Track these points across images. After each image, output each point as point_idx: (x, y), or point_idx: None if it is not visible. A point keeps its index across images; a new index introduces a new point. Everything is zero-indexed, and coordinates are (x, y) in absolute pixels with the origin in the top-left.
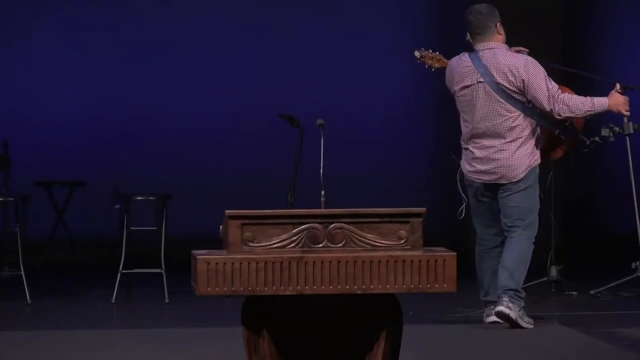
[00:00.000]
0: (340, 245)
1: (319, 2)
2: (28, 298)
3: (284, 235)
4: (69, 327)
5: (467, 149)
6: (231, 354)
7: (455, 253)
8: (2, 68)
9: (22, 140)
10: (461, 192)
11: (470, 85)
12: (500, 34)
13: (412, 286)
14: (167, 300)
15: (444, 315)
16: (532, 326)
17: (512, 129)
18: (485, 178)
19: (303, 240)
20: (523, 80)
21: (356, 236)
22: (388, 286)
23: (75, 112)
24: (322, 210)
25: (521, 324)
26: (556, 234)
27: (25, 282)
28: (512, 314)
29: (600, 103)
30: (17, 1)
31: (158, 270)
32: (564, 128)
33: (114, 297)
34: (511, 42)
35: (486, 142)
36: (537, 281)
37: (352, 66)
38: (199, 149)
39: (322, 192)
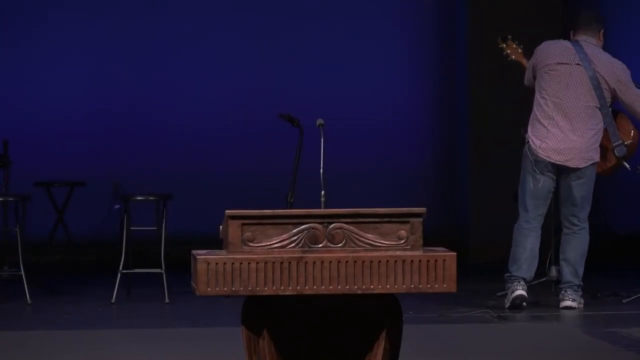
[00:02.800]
0: (340, 245)
1: (319, 2)
2: (28, 298)
3: (284, 235)
4: (69, 327)
5: (542, 124)
6: (231, 354)
7: (455, 253)
8: (2, 68)
9: (22, 140)
10: (533, 164)
11: (568, 63)
12: (601, 41)
13: (412, 286)
14: (167, 300)
15: (444, 315)
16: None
17: (592, 117)
18: (555, 157)
19: (303, 240)
20: (620, 81)
21: (356, 236)
22: (388, 286)
23: (75, 112)
24: (322, 210)
25: (580, 306)
26: (556, 234)
27: (25, 282)
28: (576, 305)
29: None
30: (17, 1)
31: (158, 270)
32: (620, 145)
33: (114, 297)
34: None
35: (564, 122)
36: (537, 281)
37: (352, 66)
38: (199, 149)
39: (322, 192)
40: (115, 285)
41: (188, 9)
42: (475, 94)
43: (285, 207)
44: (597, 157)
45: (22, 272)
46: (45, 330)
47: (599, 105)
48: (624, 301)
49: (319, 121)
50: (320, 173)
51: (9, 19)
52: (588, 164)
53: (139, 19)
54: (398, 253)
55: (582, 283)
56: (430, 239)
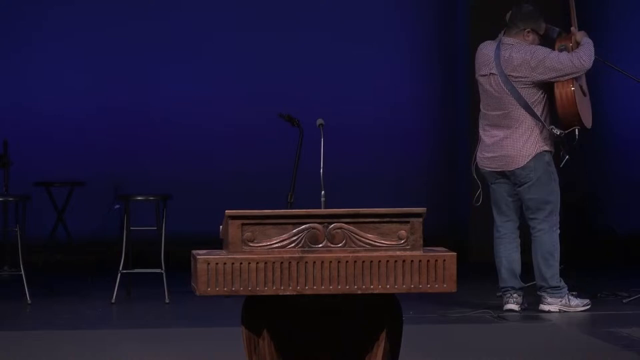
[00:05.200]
0: (340, 245)
1: (319, 3)
2: (28, 298)
3: (284, 235)
4: (69, 327)
5: (479, 136)
6: (231, 354)
7: (455, 253)
8: (2, 68)
9: (22, 140)
10: (475, 178)
11: (485, 75)
12: (527, 39)
13: (412, 286)
14: (167, 300)
15: (444, 315)
16: (583, 307)
17: (516, 119)
18: (492, 165)
19: (303, 240)
20: (534, 67)
21: (356, 236)
22: (388, 286)
23: (75, 112)
24: (322, 210)
25: (569, 310)
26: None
27: (25, 282)
28: (553, 308)
29: (588, 42)
30: (17, 1)
31: (158, 270)
32: (552, 128)
33: (114, 297)
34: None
35: (494, 130)
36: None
37: (352, 66)
38: (199, 149)
39: (322, 192)
40: (115, 285)
41: (188, 10)
42: (475, 94)
43: (285, 207)
44: (537, 149)
45: (22, 272)
46: (45, 330)
47: (523, 105)
48: (624, 301)
49: (319, 121)
50: (320, 173)
51: (9, 18)
52: (525, 161)
53: (139, 20)
54: (398, 253)
55: (556, 283)
56: (430, 239)
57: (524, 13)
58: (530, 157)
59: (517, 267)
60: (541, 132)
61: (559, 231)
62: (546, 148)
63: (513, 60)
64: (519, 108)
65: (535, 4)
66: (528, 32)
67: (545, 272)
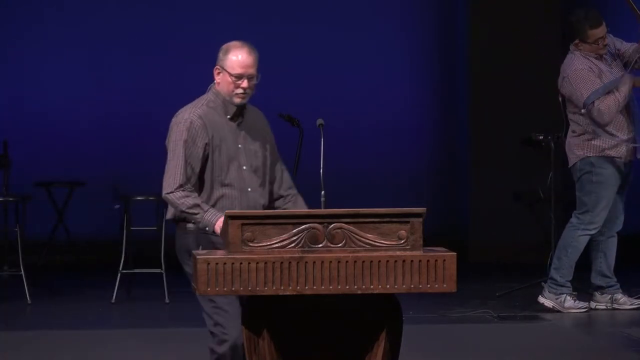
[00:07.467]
0: (340, 245)
1: (320, 3)
2: (28, 298)
3: (284, 235)
4: (69, 327)
5: None
6: None
7: (455, 253)
8: (2, 68)
9: (22, 140)
10: None
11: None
12: (580, 48)
13: (412, 286)
14: (167, 300)
15: (444, 315)
16: (577, 310)
17: (572, 120)
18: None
19: (303, 240)
20: (562, 77)
21: (356, 236)
22: (388, 286)
23: (75, 112)
24: (322, 210)
25: (562, 310)
26: (556, 233)
27: (25, 282)
28: (547, 303)
29: (623, 91)
30: (18, 1)
31: (158, 270)
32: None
33: (114, 297)
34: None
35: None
36: (537, 281)
37: (352, 66)
38: None
39: (322, 192)
40: (115, 285)
41: (188, 10)
42: (475, 94)
43: None
44: (584, 153)
45: (22, 272)
46: (45, 330)
47: (573, 110)
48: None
49: (319, 121)
50: (320, 173)
51: (9, 18)
52: (571, 163)
53: (139, 19)
54: (398, 253)
55: (558, 278)
56: (430, 239)
57: (570, 23)
58: (578, 159)
59: (597, 266)
60: (587, 138)
61: (589, 233)
62: (590, 154)
63: (562, 69)
64: (571, 112)
65: (583, 10)
66: (580, 42)
67: (555, 262)
